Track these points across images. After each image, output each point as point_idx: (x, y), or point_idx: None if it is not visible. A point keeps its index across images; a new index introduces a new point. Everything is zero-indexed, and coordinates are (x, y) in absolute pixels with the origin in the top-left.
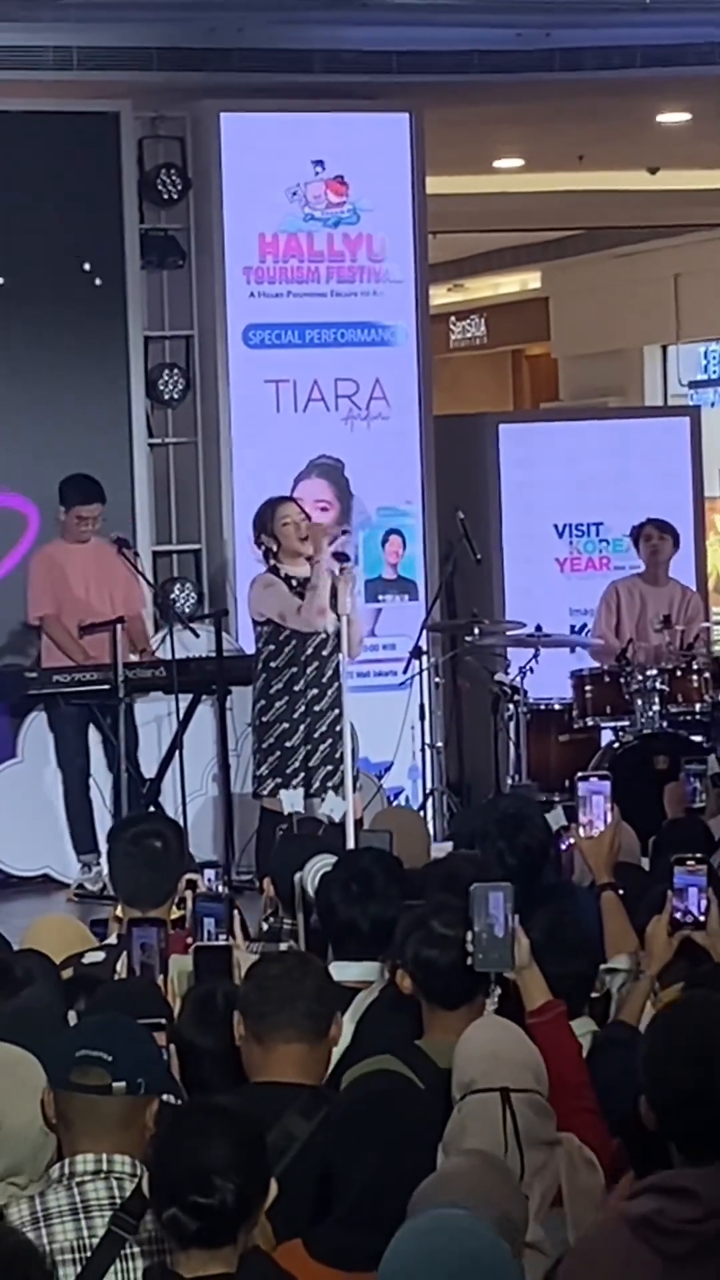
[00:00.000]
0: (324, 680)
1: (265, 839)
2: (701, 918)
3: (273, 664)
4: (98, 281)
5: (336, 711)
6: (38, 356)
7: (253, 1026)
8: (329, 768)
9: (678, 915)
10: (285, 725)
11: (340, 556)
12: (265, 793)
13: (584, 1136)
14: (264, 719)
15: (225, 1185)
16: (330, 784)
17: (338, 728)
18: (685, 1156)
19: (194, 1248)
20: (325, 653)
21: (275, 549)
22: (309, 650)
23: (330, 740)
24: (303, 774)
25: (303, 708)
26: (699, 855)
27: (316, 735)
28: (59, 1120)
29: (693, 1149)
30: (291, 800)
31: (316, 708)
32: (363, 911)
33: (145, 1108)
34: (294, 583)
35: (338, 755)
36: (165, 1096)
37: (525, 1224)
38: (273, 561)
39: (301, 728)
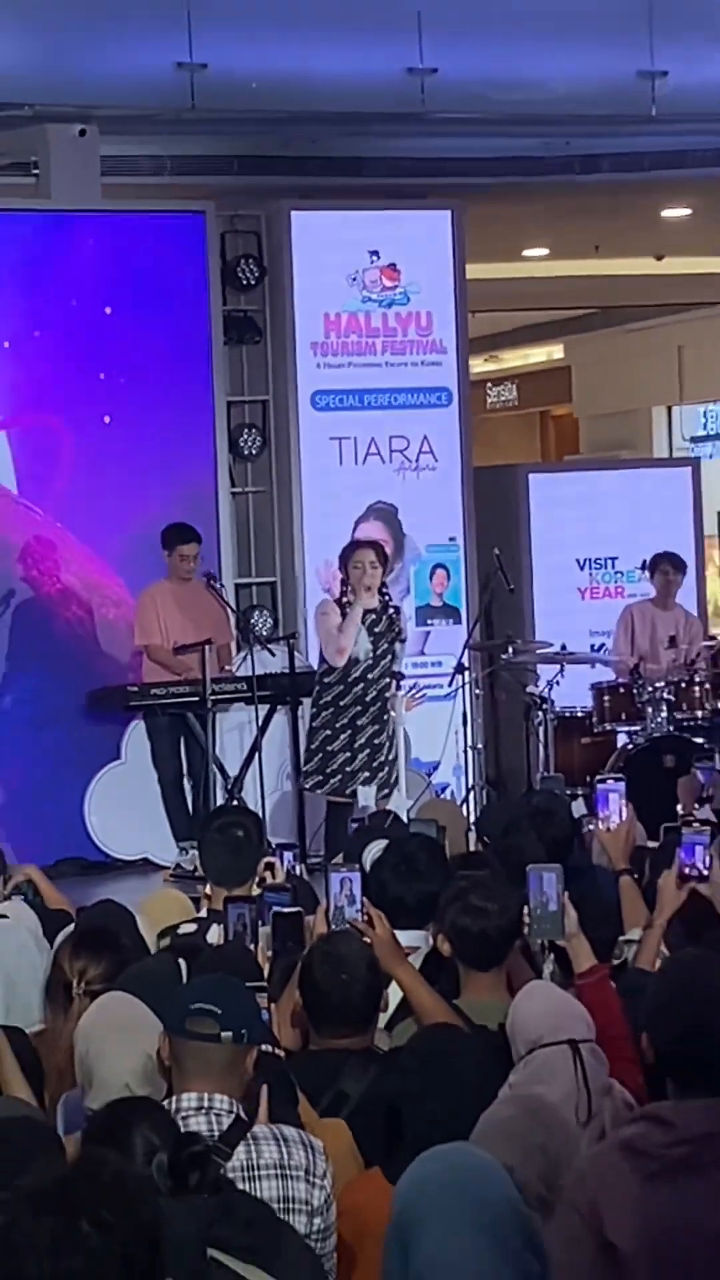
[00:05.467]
0: (367, 699)
1: (331, 827)
2: (705, 872)
3: (325, 680)
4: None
5: (376, 726)
6: (140, 420)
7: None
8: (365, 773)
9: (685, 870)
10: (328, 732)
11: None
12: (307, 786)
13: (625, 1082)
14: (313, 725)
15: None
16: (358, 777)
17: (376, 740)
18: (678, 1089)
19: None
20: (372, 676)
21: (347, 581)
22: (356, 673)
23: (368, 751)
24: (339, 775)
25: (346, 720)
26: (704, 818)
27: (356, 745)
28: (173, 1063)
29: (683, 1083)
30: (365, 795)
31: (359, 721)
32: (409, 888)
33: (246, 1056)
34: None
35: (375, 763)
36: (264, 1047)
37: (571, 1160)
38: (348, 592)
39: (343, 736)
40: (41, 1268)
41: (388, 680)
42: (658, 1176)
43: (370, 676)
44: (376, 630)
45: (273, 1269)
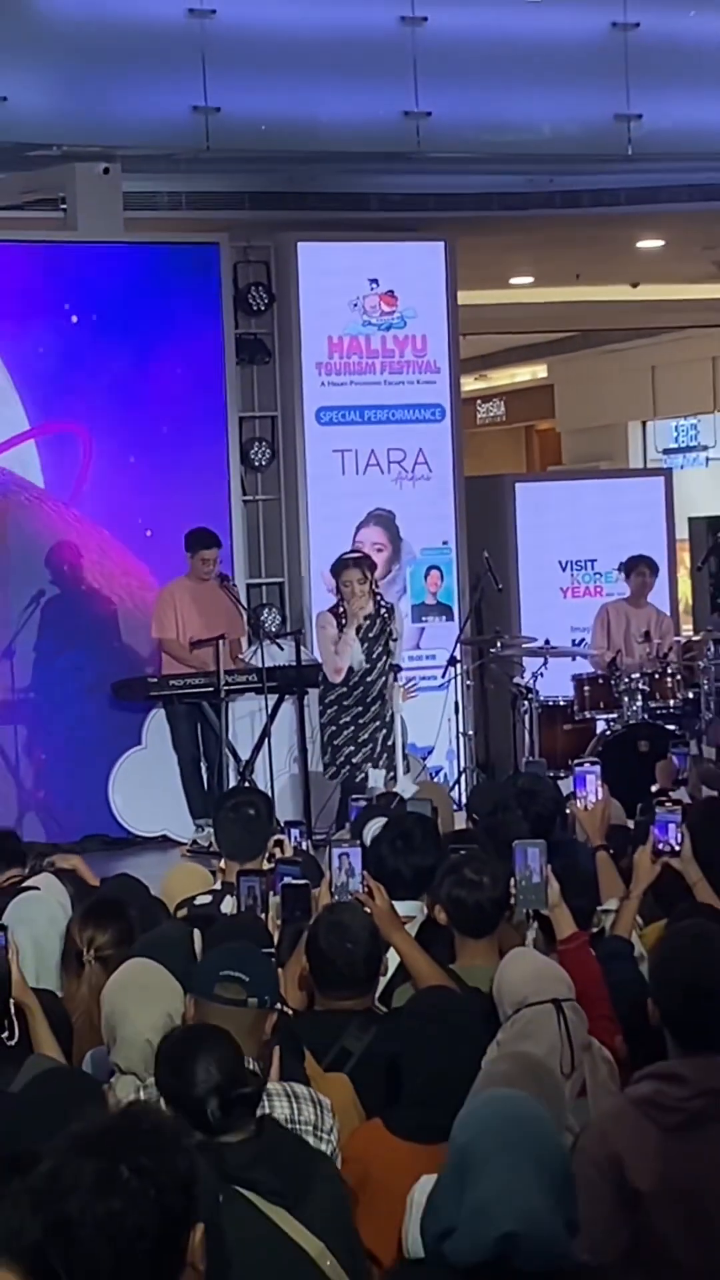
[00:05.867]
0: (368, 700)
1: (344, 808)
2: (677, 847)
3: (326, 685)
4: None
5: (378, 723)
6: (159, 433)
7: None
8: (362, 760)
9: (659, 846)
10: (334, 728)
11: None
12: (327, 776)
13: (602, 1038)
14: (322, 722)
15: (214, 1102)
16: (365, 765)
17: (378, 733)
18: (680, 1048)
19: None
20: (370, 680)
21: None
22: (355, 679)
23: (371, 745)
24: (348, 765)
25: (349, 717)
26: (675, 798)
27: (360, 739)
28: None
29: (687, 1042)
30: (375, 778)
31: (361, 720)
32: (405, 861)
33: (266, 1019)
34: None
35: (377, 751)
36: (280, 1008)
37: (563, 1113)
38: (341, 604)
39: (347, 732)
40: (84, 1207)
41: (385, 678)
42: (679, 1128)
43: (369, 680)
44: (370, 636)
45: (297, 1211)
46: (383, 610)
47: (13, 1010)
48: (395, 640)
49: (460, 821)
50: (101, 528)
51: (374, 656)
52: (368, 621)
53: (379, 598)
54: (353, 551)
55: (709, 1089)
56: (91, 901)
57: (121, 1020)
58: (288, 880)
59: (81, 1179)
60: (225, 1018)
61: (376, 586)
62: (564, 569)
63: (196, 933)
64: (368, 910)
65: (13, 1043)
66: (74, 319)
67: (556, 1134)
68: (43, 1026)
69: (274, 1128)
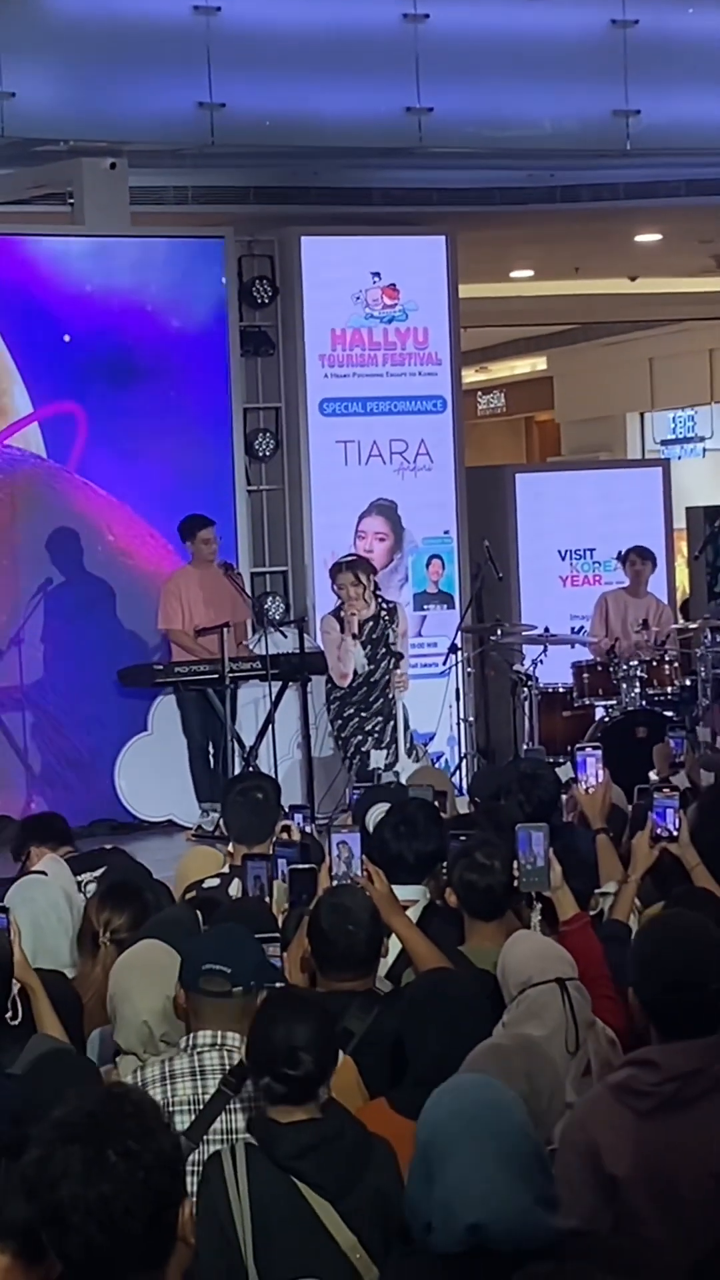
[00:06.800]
0: (371, 698)
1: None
2: (675, 832)
3: (332, 686)
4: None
5: (380, 718)
6: (166, 424)
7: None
8: (370, 748)
9: (657, 831)
10: (340, 722)
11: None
12: (346, 768)
13: (605, 1018)
14: (330, 717)
15: (306, 1059)
16: (364, 750)
17: (387, 726)
18: (661, 1035)
19: (283, 1104)
20: (374, 680)
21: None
22: (358, 681)
23: (376, 735)
24: (356, 756)
25: (351, 710)
26: (673, 783)
27: (366, 729)
28: (190, 1013)
29: (666, 1030)
30: (376, 758)
31: (364, 713)
32: (408, 846)
33: (255, 998)
34: (354, 629)
35: (383, 740)
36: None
37: (558, 1090)
38: (345, 614)
39: (352, 724)
40: (75, 1194)
41: (387, 678)
42: (651, 1113)
43: (372, 680)
44: (374, 639)
45: (341, 1204)
46: (383, 612)
47: (15, 990)
48: (396, 641)
49: (462, 806)
50: (120, 503)
51: (377, 657)
52: (370, 624)
53: (381, 599)
54: (348, 555)
55: (679, 1074)
56: (109, 885)
57: (122, 1001)
58: (296, 865)
59: (70, 1166)
60: (214, 1008)
61: (377, 589)
62: (563, 558)
63: (200, 915)
64: (368, 894)
65: (16, 1023)
66: (82, 312)
67: (520, 1116)
68: (45, 1006)
69: (337, 1113)
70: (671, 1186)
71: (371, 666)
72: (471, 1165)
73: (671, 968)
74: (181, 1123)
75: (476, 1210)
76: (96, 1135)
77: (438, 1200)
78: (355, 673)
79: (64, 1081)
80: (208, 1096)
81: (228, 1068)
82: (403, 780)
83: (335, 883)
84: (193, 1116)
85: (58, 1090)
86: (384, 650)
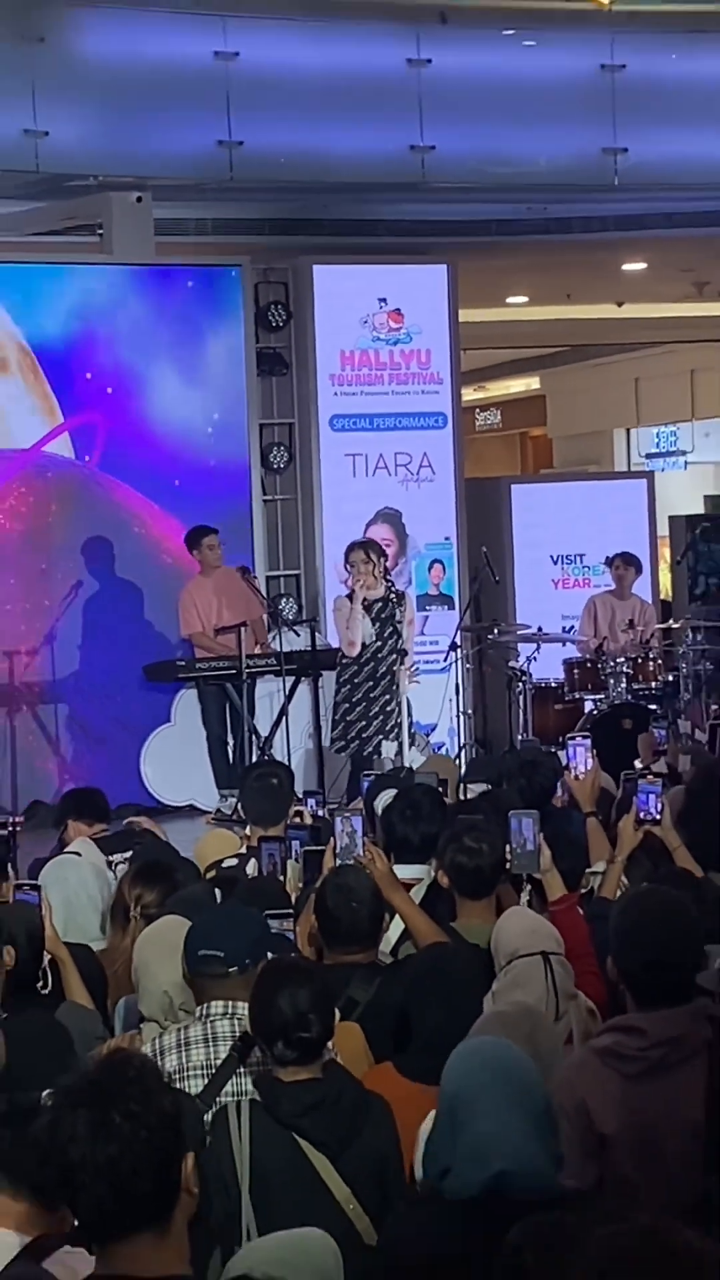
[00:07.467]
0: (378, 674)
1: (354, 779)
2: (658, 816)
3: (343, 663)
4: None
5: (387, 696)
6: (186, 439)
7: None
8: (380, 735)
9: (641, 814)
10: (347, 705)
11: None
12: (335, 750)
13: (587, 991)
14: (336, 699)
15: (315, 1020)
16: (374, 741)
17: (388, 708)
18: (637, 1003)
19: (293, 1066)
20: (381, 655)
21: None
22: (366, 655)
23: (380, 718)
24: (358, 740)
25: (360, 694)
26: (655, 770)
27: (371, 713)
28: (195, 990)
29: (644, 999)
30: (388, 749)
31: (372, 694)
32: (414, 829)
33: (253, 977)
34: (364, 601)
35: (387, 726)
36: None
37: (556, 1054)
38: (355, 585)
39: (359, 708)
40: (84, 1155)
41: (395, 656)
42: (638, 1076)
43: (380, 655)
44: (382, 617)
45: (339, 1160)
46: (392, 595)
47: (46, 962)
48: (403, 623)
49: (464, 792)
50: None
51: (384, 635)
52: (379, 604)
53: (390, 585)
54: (362, 538)
55: (665, 1039)
56: (141, 864)
57: (145, 972)
58: (310, 847)
59: (78, 1130)
60: (214, 985)
61: (387, 574)
62: (555, 563)
63: (218, 893)
64: (370, 873)
65: (46, 991)
66: (109, 336)
67: (538, 1076)
68: (75, 977)
69: (337, 1073)
70: (656, 1145)
71: (378, 642)
72: (501, 1117)
73: (650, 944)
74: (195, 1086)
75: (506, 1158)
76: (101, 1100)
77: (465, 1147)
78: (363, 645)
79: (49, 1054)
80: (219, 1061)
81: (239, 1034)
82: (414, 768)
83: (339, 863)
84: (205, 1080)
85: (43, 1064)
86: (391, 629)
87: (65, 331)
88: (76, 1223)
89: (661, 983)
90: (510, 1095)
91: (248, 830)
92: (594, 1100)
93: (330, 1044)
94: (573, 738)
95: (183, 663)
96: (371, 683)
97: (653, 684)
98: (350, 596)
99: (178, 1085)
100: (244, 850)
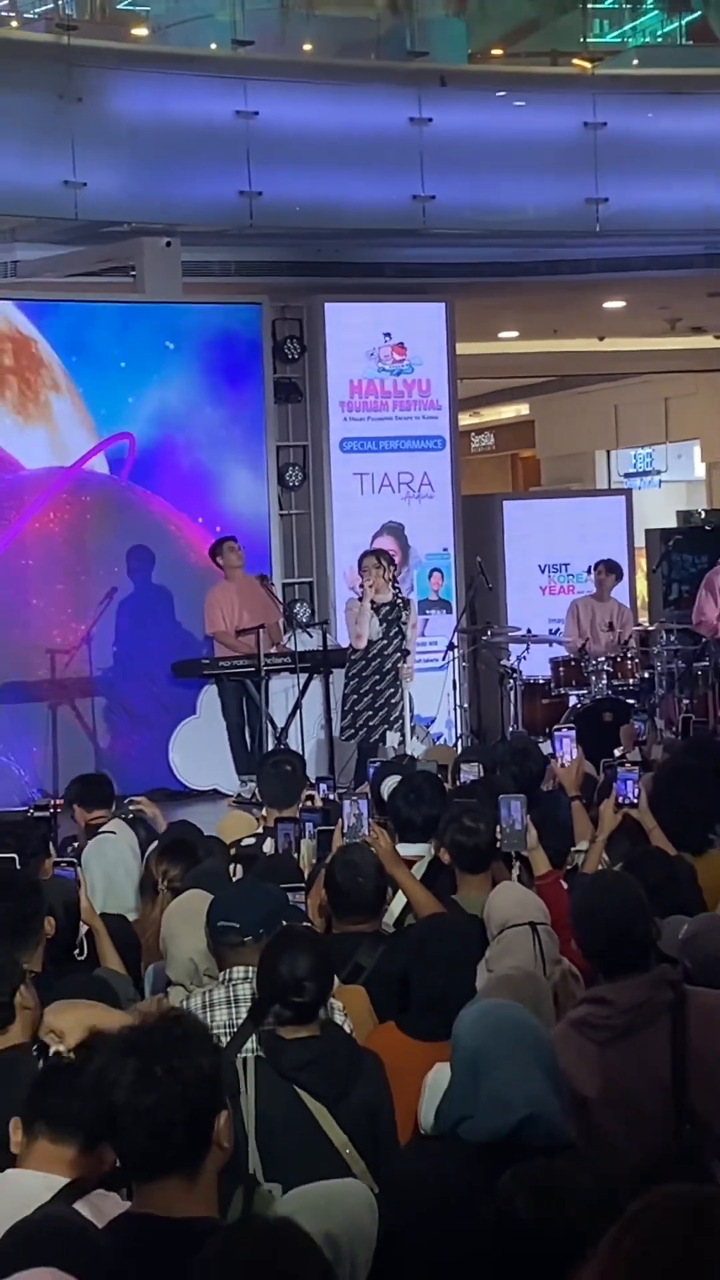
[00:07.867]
0: (384, 669)
1: (360, 765)
2: (635, 800)
3: (353, 658)
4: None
5: (391, 690)
6: (211, 460)
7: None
8: (385, 726)
9: (620, 799)
10: (355, 696)
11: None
12: (343, 738)
13: (571, 958)
14: (345, 692)
15: (310, 986)
16: (379, 730)
17: (391, 700)
18: (604, 974)
19: (290, 1025)
20: (386, 652)
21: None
22: (373, 651)
23: (385, 710)
24: (365, 729)
25: (367, 687)
26: (633, 759)
27: (377, 705)
28: (217, 957)
29: (609, 971)
30: (392, 739)
31: (378, 687)
32: (416, 811)
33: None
34: (374, 604)
35: (391, 717)
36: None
37: (552, 1016)
38: (365, 586)
39: (366, 699)
40: (125, 1101)
41: (399, 655)
42: (610, 1042)
43: (385, 653)
44: (389, 619)
45: (336, 1109)
46: (399, 601)
47: (84, 932)
48: (407, 625)
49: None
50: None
51: (390, 635)
52: (387, 607)
53: (398, 592)
54: (372, 548)
55: (630, 1006)
56: (169, 841)
57: (172, 940)
58: (322, 827)
59: (123, 1076)
60: (234, 954)
61: (395, 582)
62: (543, 571)
63: (236, 869)
64: (374, 850)
65: (83, 958)
66: (140, 369)
67: (547, 1034)
68: (108, 945)
69: (333, 1032)
70: (632, 1102)
71: (384, 641)
72: (523, 1069)
73: (604, 922)
74: (220, 1045)
75: (532, 1104)
76: (148, 1052)
77: (488, 1096)
78: (370, 642)
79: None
80: (240, 1022)
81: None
82: (415, 756)
83: (347, 841)
84: (228, 1039)
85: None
86: (396, 630)
87: (103, 365)
88: (118, 1162)
89: (620, 954)
90: (528, 1052)
91: (264, 812)
92: (574, 1067)
93: (331, 1004)
94: (559, 729)
95: (207, 661)
96: (378, 677)
97: (631, 681)
98: (360, 599)
99: None
100: (261, 830)
